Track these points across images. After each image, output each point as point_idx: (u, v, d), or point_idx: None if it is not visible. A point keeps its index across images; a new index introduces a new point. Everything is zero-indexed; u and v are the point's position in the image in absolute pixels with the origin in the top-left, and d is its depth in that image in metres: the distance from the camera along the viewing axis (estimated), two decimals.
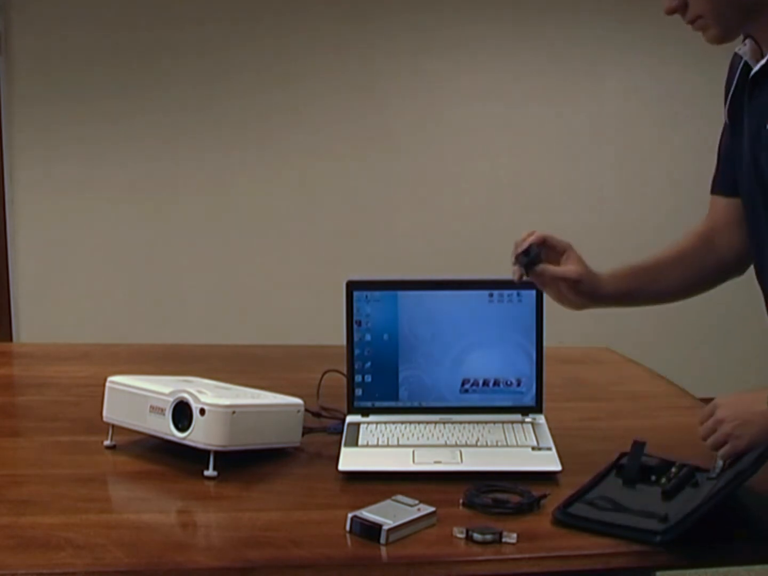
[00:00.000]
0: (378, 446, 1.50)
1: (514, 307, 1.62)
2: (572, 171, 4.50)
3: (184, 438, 1.41)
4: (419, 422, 1.58)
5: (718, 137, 1.49)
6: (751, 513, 1.29)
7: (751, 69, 1.30)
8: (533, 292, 1.62)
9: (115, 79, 4.18)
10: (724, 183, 1.47)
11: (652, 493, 1.29)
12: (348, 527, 1.19)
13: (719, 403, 1.27)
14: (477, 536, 1.17)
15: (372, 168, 4.40)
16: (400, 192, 4.43)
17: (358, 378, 1.63)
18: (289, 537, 1.19)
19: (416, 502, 1.24)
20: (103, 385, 1.54)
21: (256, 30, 4.24)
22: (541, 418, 1.59)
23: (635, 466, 1.35)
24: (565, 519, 1.22)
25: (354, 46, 4.32)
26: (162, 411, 1.44)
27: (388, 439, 1.52)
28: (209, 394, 1.44)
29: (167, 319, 4.32)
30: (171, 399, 1.43)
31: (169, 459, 1.46)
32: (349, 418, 1.61)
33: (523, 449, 1.48)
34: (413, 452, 1.46)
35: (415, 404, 1.63)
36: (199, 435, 1.39)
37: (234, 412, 1.40)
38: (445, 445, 1.49)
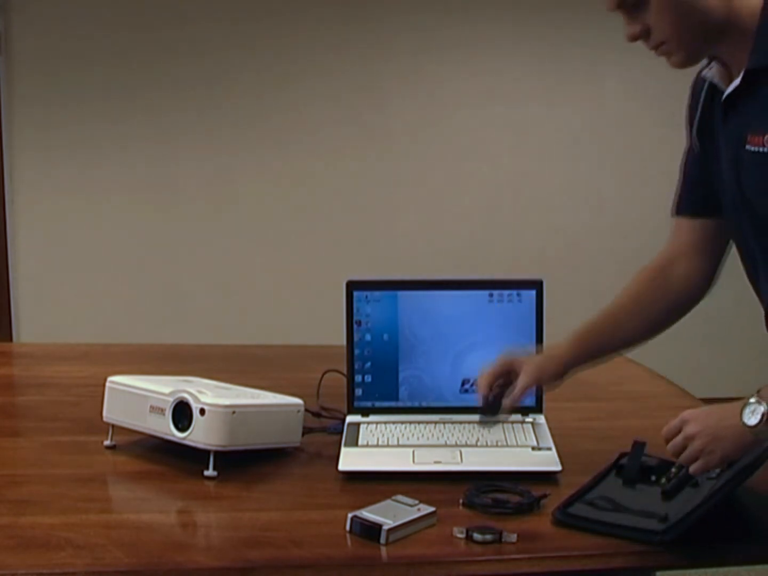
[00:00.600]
0: (378, 446, 1.50)
1: (514, 307, 1.62)
2: (572, 171, 4.50)
3: (184, 438, 1.41)
4: (419, 422, 1.58)
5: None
6: (751, 513, 1.30)
7: (718, 91, 1.29)
8: (533, 292, 1.62)
9: (115, 79, 4.18)
10: (689, 204, 1.45)
11: (652, 493, 1.29)
12: (348, 527, 1.19)
13: (688, 418, 1.23)
14: (477, 536, 1.17)
15: (372, 168, 4.40)
16: (400, 192, 4.43)
17: (358, 378, 1.63)
18: (289, 537, 1.19)
19: (416, 502, 1.24)
20: (103, 385, 1.54)
21: (257, 30, 4.24)
22: (541, 418, 1.59)
23: (635, 466, 1.35)
24: (565, 519, 1.22)
25: (354, 46, 4.32)
26: (162, 411, 1.44)
27: (388, 439, 1.52)
28: (209, 394, 1.44)
29: (167, 319, 4.31)
30: (171, 399, 1.43)
31: (169, 459, 1.46)
32: (349, 418, 1.61)
33: (523, 449, 1.48)
34: (413, 452, 1.46)
35: (415, 404, 1.63)
36: (199, 435, 1.39)
37: (234, 412, 1.40)
38: (445, 445, 1.49)
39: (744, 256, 1.37)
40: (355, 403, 1.64)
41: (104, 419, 1.54)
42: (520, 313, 1.62)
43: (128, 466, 1.47)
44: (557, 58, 4.42)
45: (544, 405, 1.61)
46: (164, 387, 1.46)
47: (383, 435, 1.54)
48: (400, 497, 1.26)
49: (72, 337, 3.73)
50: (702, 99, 1.34)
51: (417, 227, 4.43)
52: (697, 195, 1.43)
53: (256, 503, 1.33)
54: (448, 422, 1.58)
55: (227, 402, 1.41)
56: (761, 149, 1.16)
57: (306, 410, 1.57)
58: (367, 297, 1.62)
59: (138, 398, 1.48)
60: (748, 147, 1.19)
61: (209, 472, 1.39)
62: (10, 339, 4.21)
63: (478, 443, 1.50)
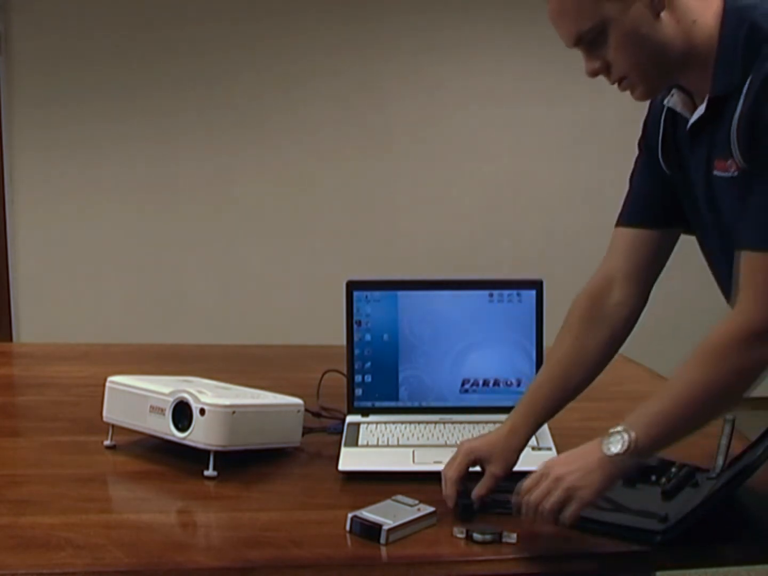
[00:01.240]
0: (378, 446, 1.50)
1: (514, 307, 1.62)
2: (572, 171, 4.50)
3: (184, 438, 1.41)
4: (419, 422, 1.58)
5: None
6: (751, 513, 1.29)
7: (679, 117, 1.29)
8: (533, 292, 1.62)
9: (115, 79, 4.18)
10: (635, 214, 1.43)
11: (652, 493, 1.29)
12: (348, 527, 1.19)
13: (551, 464, 1.19)
14: (477, 536, 1.17)
15: (372, 168, 4.40)
16: (400, 192, 4.43)
17: (358, 378, 1.63)
18: (289, 537, 1.19)
19: (416, 502, 1.24)
20: (103, 385, 1.54)
21: (257, 31, 4.24)
22: None
23: (635, 466, 1.34)
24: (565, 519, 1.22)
25: (354, 47, 4.32)
26: (162, 411, 1.44)
27: (388, 439, 1.52)
28: (209, 394, 1.43)
29: (167, 319, 4.32)
30: (171, 399, 1.43)
31: (169, 459, 1.46)
32: (349, 418, 1.61)
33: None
34: (413, 452, 1.46)
35: (415, 404, 1.63)
36: (199, 435, 1.39)
37: (234, 412, 1.40)
38: (445, 445, 1.49)
39: (718, 278, 1.37)
40: (355, 403, 1.64)
41: (104, 419, 1.54)
42: (520, 313, 1.62)
43: (128, 466, 1.47)
44: (557, 58, 4.40)
45: None
46: (164, 387, 1.46)
47: (383, 435, 1.54)
48: (400, 497, 1.26)
49: (72, 337, 3.73)
50: (662, 124, 1.34)
51: (417, 227, 4.43)
52: (647, 205, 1.43)
53: (256, 503, 1.33)
54: (448, 422, 1.58)
55: (227, 402, 1.41)
56: (726, 174, 1.17)
57: (306, 410, 1.57)
58: (367, 297, 1.62)
59: (138, 398, 1.48)
60: (715, 173, 1.20)
61: (209, 472, 1.39)
62: (10, 339, 4.21)
63: None
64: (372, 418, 1.61)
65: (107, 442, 1.53)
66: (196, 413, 1.39)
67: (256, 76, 4.28)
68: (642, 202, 1.43)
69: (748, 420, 1.47)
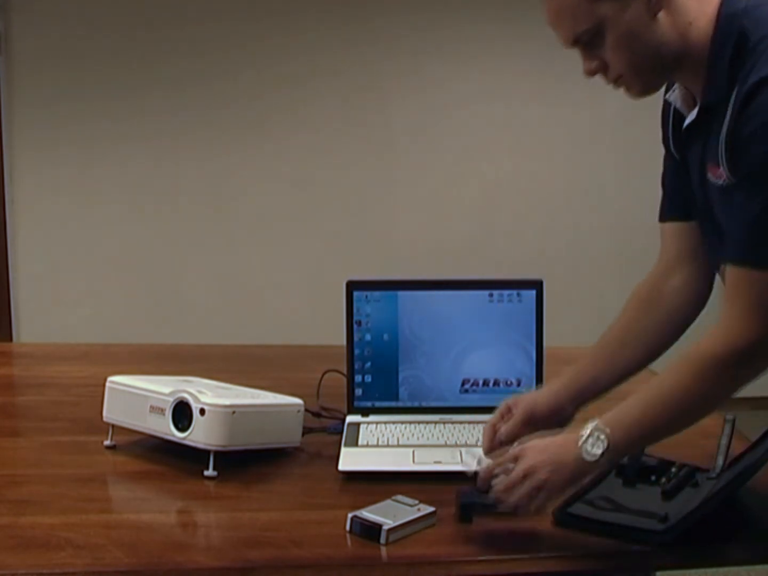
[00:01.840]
0: (378, 446, 1.50)
1: (514, 307, 1.62)
2: (572, 171, 4.50)
3: (184, 438, 1.41)
4: (419, 422, 1.58)
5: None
6: (751, 513, 1.29)
7: (681, 114, 1.30)
8: (533, 292, 1.62)
9: (116, 79, 4.18)
10: (672, 210, 1.44)
11: (652, 493, 1.29)
12: (348, 527, 1.19)
13: (524, 452, 1.20)
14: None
15: (372, 168, 4.40)
16: (400, 192, 4.43)
17: (358, 378, 1.63)
18: (289, 537, 1.19)
19: (416, 502, 1.24)
20: (103, 385, 1.54)
21: (257, 31, 4.24)
22: None
23: (635, 466, 1.34)
24: (565, 519, 1.22)
25: (354, 46, 4.32)
26: (162, 411, 1.44)
27: (388, 439, 1.52)
28: (209, 394, 1.44)
29: (167, 319, 4.31)
30: (171, 399, 1.43)
31: (169, 459, 1.46)
32: (349, 418, 1.61)
33: None
34: (413, 452, 1.46)
35: (415, 404, 1.63)
36: (199, 435, 1.39)
37: (234, 412, 1.40)
38: (445, 445, 1.49)
39: (713, 262, 1.37)
40: (355, 403, 1.64)
41: (104, 419, 1.54)
42: (520, 313, 1.62)
43: (128, 466, 1.47)
44: (557, 58, 4.40)
45: None
46: (164, 387, 1.46)
47: (383, 435, 1.54)
48: (400, 497, 1.26)
49: (72, 337, 3.73)
50: (671, 118, 1.36)
51: (417, 227, 4.43)
52: (679, 200, 1.43)
53: (256, 503, 1.33)
54: (448, 422, 1.58)
55: (227, 402, 1.41)
56: (718, 181, 1.17)
57: (306, 410, 1.57)
58: (367, 297, 1.62)
59: (138, 398, 1.48)
60: (708, 176, 1.20)
61: (209, 472, 1.39)
62: (10, 339, 4.21)
63: (479, 443, 1.49)
64: (372, 418, 1.61)
65: (107, 442, 1.53)
66: (196, 413, 1.39)
67: (256, 76, 4.28)
68: (676, 198, 1.44)
69: (748, 420, 1.47)
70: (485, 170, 4.45)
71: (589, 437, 1.16)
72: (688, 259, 1.42)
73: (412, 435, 1.53)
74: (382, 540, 1.16)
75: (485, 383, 1.63)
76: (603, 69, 1.24)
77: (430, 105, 4.39)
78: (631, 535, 1.17)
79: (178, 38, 4.20)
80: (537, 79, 4.43)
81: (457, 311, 1.62)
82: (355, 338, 1.62)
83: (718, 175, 1.17)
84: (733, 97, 1.12)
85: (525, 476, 1.17)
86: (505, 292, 1.62)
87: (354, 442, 1.51)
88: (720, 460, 1.30)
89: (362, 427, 1.57)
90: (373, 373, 1.63)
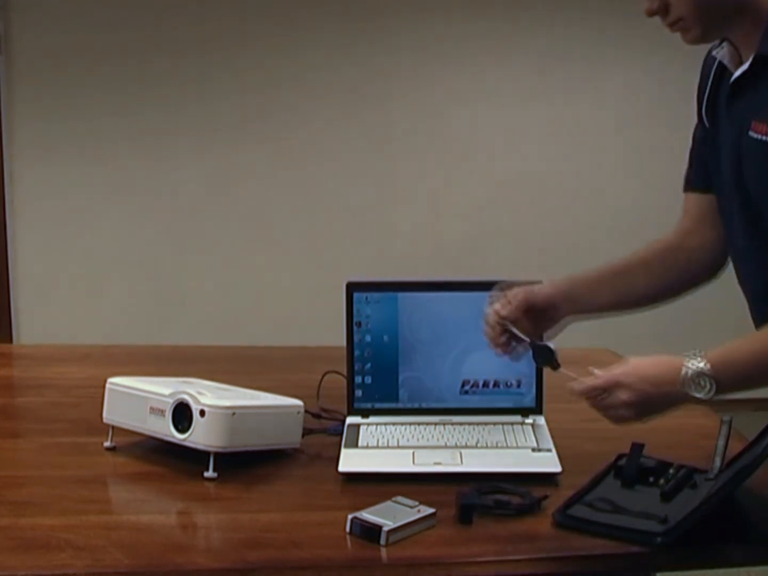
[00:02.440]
0: (378, 447, 1.50)
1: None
2: (572, 171, 4.50)
3: (184, 439, 1.41)
4: (419, 423, 1.58)
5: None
6: (751, 514, 1.29)
7: (726, 72, 1.30)
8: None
9: (115, 79, 4.18)
10: (699, 179, 1.46)
11: (650, 494, 1.29)
12: (348, 528, 1.19)
13: (621, 382, 1.22)
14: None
15: (372, 169, 4.40)
16: (400, 193, 4.43)
17: (358, 379, 1.63)
18: (289, 538, 1.19)
19: (416, 503, 1.24)
20: (103, 387, 1.54)
21: (257, 31, 4.25)
22: (541, 420, 1.59)
23: (634, 468, 1.34)
24: (565, 521, 1.22)
25: (354, 46, 4.32)
26: (162, 412, 1.44)
27: (388, 440, 1.52)
28: (209, 395, 1.44)
29: (167, 321, 4.32)
30: (171, 400, 1.43)
31: (169, 460, 1.46)
32: (349, 420, 1.61)
33: (523, 450, 1.48)
34: (413, 453, 1.46)
35: (415, 405, 1.63)
36: (199, 436, 1.39)
37: (234, 414, 1.40)
38: (446, 447, 1.49)
39: (730, 241, 1.38)
40: (355, 405, 1.64)
41: (104, 420, 1.54)
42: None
43: (128, 468, 1.47)
44: (557, 57, 4.42)
45: (545, 406, 1.61)
46: (164, 388, 1.46)
47: (383, 436, 1.54)
48: (400, 498, 1.26)
49: (72, 338, 3.73)
50: (711, 77, 1.35)
51: (417, 227, 4.43)
52: (701, 172, 1.44)
53: (256, 504, 1.33)
54: (448, 423, 1.58)
55: (227, 403, 1.41)
56: (764, 138, 1.17)
57: (306, 411, 1.57)
58: (367, 298, 1.62)
59: (138, 399, 1.48)
60: (751, 133, 1.20)
61: (209, 473, 1.39)
62: (10, 340, 4.21)
63: (478, 444, 1.50)
64: (372, 419, 1.61)
65: (107, 444, 1.53)
66: (196, 414, 1.39)
67: (256, 77, 4.28)
68: (702, 168, 1.44)
69: (748, 421, 1.47)
70: (485, 170, 4.46)
71: (697, 380, 1.17)
72: (710, 225, 1.43)
73: (412, 436, 1.53)
74: (382, 541, 1.16)
75: (485, 384, 1.63)
76: (663, 11, 1.23)
77: (430, 105, 4.39)
78: (631, 536, 1.17)
79: (178, 38, 4.20)
80: (537, 79, 4.43)
81: (457, 312, 1.62)
82: (355, 339, 1.62)
83: (766, 131, 1.16)
84: None
85: (618, 408, 1.21)
86: None
87: (354, 444, 1.51)
88: (717, 461, 1.30)
89: (362, 429, 1.57)
90: (373, 375, 1.63)
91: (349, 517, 1.20)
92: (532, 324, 1.44)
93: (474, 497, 1.27)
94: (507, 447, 1.49)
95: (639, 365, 1.24)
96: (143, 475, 1.44)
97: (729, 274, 1.43)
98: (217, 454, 1.39)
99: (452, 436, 1.53)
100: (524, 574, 1.16)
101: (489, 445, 1.50)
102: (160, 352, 2.35)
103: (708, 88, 1.36)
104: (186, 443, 1.41)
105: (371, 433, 1.55)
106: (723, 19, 1.22)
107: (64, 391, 1.93)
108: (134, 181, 4.28)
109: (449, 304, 1.62)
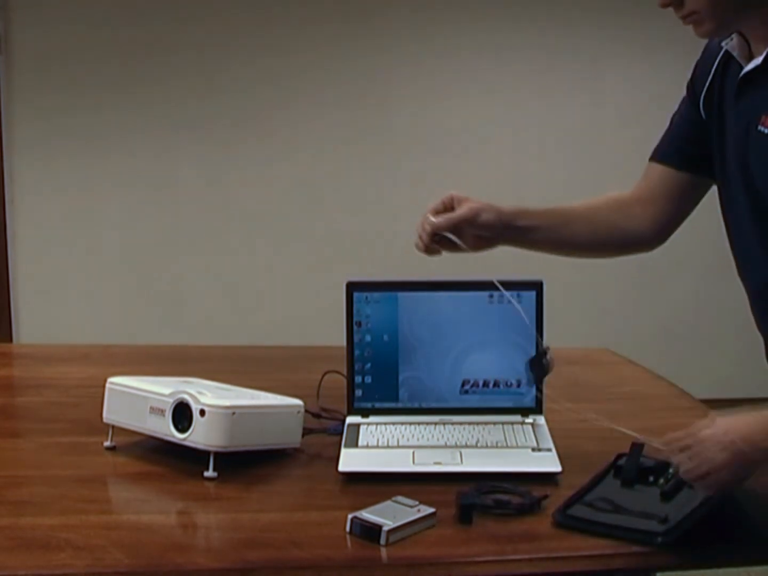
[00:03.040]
0: (378, 447, 1.50)
1: (514, 308, 1.62)
2: (572, 171, 4.50)
3: (184, 439, 1.41)
4: (419, 423, 1.58)
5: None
6: (751, 514, 1.29)
7: (732, 64, 1.29)
8: (533, 293, 1.62)
9: (115, 78, 4.18)
10: (667, 152, 1.46)
11: (650, 494, 1.29)
12: (348, 528, 1.19)
13: (721, 438, 1.13)
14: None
15: (372, 168, 4.40)
16: (400, 192, 4.43)
17: (358, 379, 1.63)
18: (289, 538, 1.19)
19: (416, 503, 1.24)
20: (103, 386, 1.54)
21: (257, 31, 4.25)
22: (541, 419, 1.59)
23: (633, 468, 1.34)
24: (565, 521, 1.22)
25: (354, 46, 4.32)
26: (162, 412, 1.44)
27: (388, 440, 1.52)
28: (209, 395, 1.44)
29: (167, 320, 4.32)
30: (171, 400, 1.43)
31: (169, 460, 1.46)
32: (349, 419, 1.61)
33: (523, 450, 1.48)
34: (413, 453, 1.46)
35: (415, 405, 1.63)
36: (199, 436, 1.39)
37: (234, 413, 1.40)
38: (445, 446, 1.49)
39: (733, 237, 1.37)
40: (355, 404, 1.64)
41: (104, 420, 1.53)
42: (520, 314, 1.62)
43: (128, 467, 1.47)
44: (558, 58, 4.42)
45: (544, 406, 1.61)
46: (164, 388, 1.46)
47: (383, 436, 1.54)
48: (400, 498, 1.26)
49: (72, 337, 3.73)
50: (714, 67, 1.34)
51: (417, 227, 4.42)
52: (680, 147, 1.44)
53: (256, 504, 1.33)
54: (448, 423, 1.58)
55: (227, 403, 1.41)
56: None
57: (306, 411, 1.57)
58: (367, 298, 1.62)
59: (138, 399, 1.48)
60: (760, 128, 1.19)
61: (209, 473, 1.39)
62: (10, 339, 4.21)
63: (478, 444, 1.50)
64: (372, 419, 1.61)
65: (107, 443, 1.53)
66: (196, 414, 1.39)
67: (257, 77, 4.28)
68: (676, 143, 1.45)
69: None
70: (485, 170, 4.45)
71: None
72: (667, 202, 1.45)
73: (412, 436, 1.53)
74: (382, 541, 1.16)
75: (485, 384, 1.63)
76: (678, 3, 1.21)
77: (430, 104, 4.39)
78: (631, 536, 1.17)
79: (178, 38, 4.20)
80: (537, 79, 4.43)
81: (457, 312, 1.62)
82: (355, 339, 1.62)
83: None
84: None
85: (703, 469, 1.14)
86: (506, 293, 1.62)
87: (354, 443, 1.51)
88: None
89: (362, 428, 1.57)
90: (373, 374, 1.63)
91: (349, 516, 1.20)
92: (464, 237, 1.46)
93: (474, 497, 1.27)
94: (507, 447, 1.49)
95: (732, 422, 1.15)
96: (143, 474, 1.44)
97: (731, 270, 1.43)
98: (217, 454, 1.39)
99: (452, 436, 1.53)
100: (524, 574, 1.16)
101: (489, 444, 1.50)
102: (160, 352, 2.35)
103: (710, 78, 1.35)
104: (186, 443, 1.41)
105: (371, 432, 1.55)
106: (737, 12, 1.20)
107: (63, 391, 1.93)
108: (134, 181, 4.28)
109: (449, 304, 1.62)
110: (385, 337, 1.62)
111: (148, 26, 4.18)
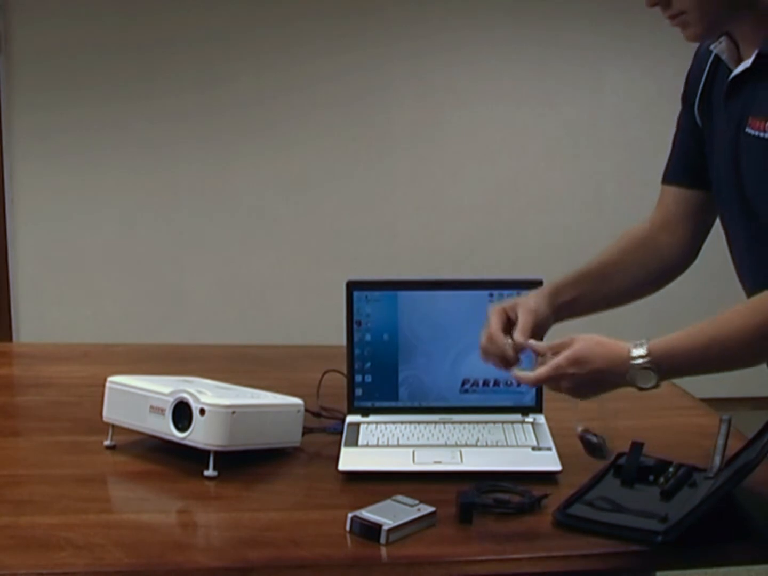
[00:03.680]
0: (378, 446, 1.50)
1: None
2: (572, 171, 4.50)
3: (184, 438, 1.41)
4: (419, 422, 1.58)
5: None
6: (751, 513, 1.29)
7: (722, 67, 1.28)
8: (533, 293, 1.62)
9: (115, 78, 4.18)
10: (679, 173, 1.45)
11: (650, 493, 1.29)
12: (348, 527, 1.19)
13: (577, 359, 1.21)
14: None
15: (372, 168, 4.40)
16: (400, 192, 4.43)
17: (358, 378, 1.63)
18: (289, 537, 1.19)
19: (416, 502, 1.24)
20: (103, 385, 1.54)
21: (258, 31, 4.25)
22: (541, 418, 1.59)
23: (633, 467, 1.34)
24: (565, 520, 1.22)
25: (355, 47, 4.32)
26: (162, 411, 1.44)
27: (388, 439, 1.52)
28: (209, 394, 1.43)
29: (167, 319, 4.32)
30: (171, 399, 1.43)
31: (169, 459, 1.46)
32: (349, 418, 1.61)
33: (523, 449, 1.48)
34: (413, 452, 1.46)
35: (415, 404, 1.63)
36: (199, 435, 1.39)
37: (234, 412, 1.40)
38: (445, 445, 1.49)
39: (730, 239, 1.37)
40: (355, 403, 1.64)
41: (104, 419, 1.53)
42: None
43: (128, 466, 1.47)
44: (557, 58, 4.42)
45: (544, 405, 1.61)
46: (164, 387, 1.46)
47: (383, 435, 1.54)
48: (400, 497, 1.26)
49: (72, 337, 3.73)
50: (706, 71, 1.33)
51: (417, 227, 4.43)
52: (687, 165, 1.43)
53: (256, 503, 1.33)
54: (448, 422, 1.58)
55: (227, 402, 1.41)
56: (762, 134, 1.15)
57: (306, 410, 1.57)
58: (367, 297, 1.62)
59: (138, 398, 1.48)
60: (748, 130, 1.18)
61: (209, 472, 1.39)
62: (10, 339, 4.21)
63: (478, 443, 1.49)
64: (372, 418, 1.61)
65: (107, 442, 1.53)
66: (196, 413, 1.39)
67: (256, 77, 4.28)
68: (683, 161, 1.44)
69: (748, 419, 1.47)
70: (485, 170, 4.46)
71: (641, 372, 1.18)
72: (688, 222, 1.43)
73: (412, 435, 1.53)
74: (382, 540, 1.16)
75: (485, 383, 1.62)
76: (665, 2, 1.19)
77: (430, 105, 4.39)
78: (632, 535, 1.17)
79: (177, 38, 4.20)
80: (537, 79, 4.43)
81: (457, 311, 1.62)
82: (355, 338, 1.62)
83: (765, 127, 1.15)
84: None
85: (567, 380, 1.20)
86: (506, 292, 1.62)
87: (354, 442, 1.51)
88: (717, 460, 1.29)
89: (362, 427, 1.57)
90: (373, 373, 1.63)
91: (349, 515, 1.20)
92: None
93: (474, 496, 1.27)
94: (507, 446, 1.49)
95: (588, 356, 1.22)
96: (143, 473, 1.44)
97: (729, 270, 1.43)
98: (217, 453, 1.39)
99: (452, 435, 1.53)
100: (524, 573, 1.16)
101: (489, 443, 1.50)
102: (160, 351, 2.35)
103: (702, 84, 1.34)
104: (186, 442, 1.41)
105: (371, 431, 1.55)
106: (726, 14, 1.19)
107: (63, 390, 1.93)
108: (134, 181, 4.28)
109: (449, 303, 1.62)
110: (385, 336, 1.62)
111: (147, 25, 4.18)
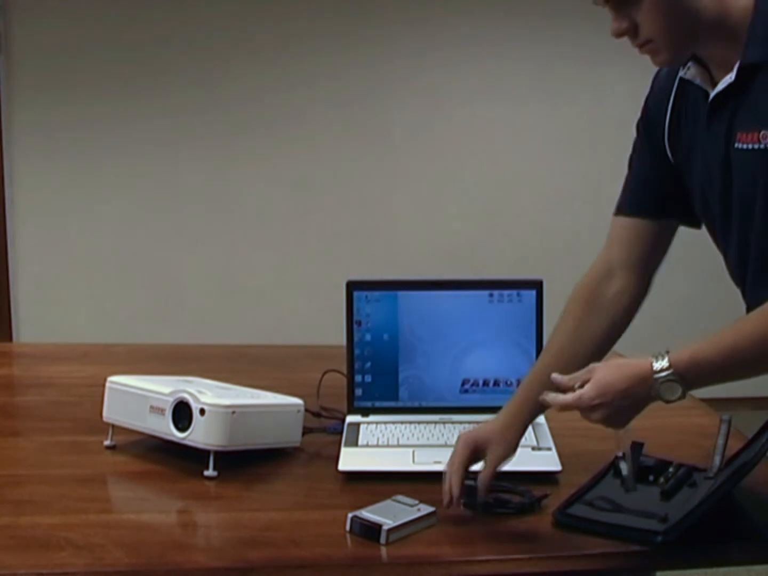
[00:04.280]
0: (378, 446, 1.50)
1: (514, 307, 1.62)
2: (572, 171, 4.50)
3: (184, 438, 1.41)
4: (419, 422, 1.58)
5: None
6: (751, 513, 1.29)
7: (693, 92, 1.26)
8: (533, 292, 1.62)
9: (115, 79, 4.18)
10: (636, 203, 1.41)
11: (650, 493, 1.29)
12: (348, 527, 1.19)
13: (600, 385, 1.15)
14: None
15: (372, 168, 4.40)
16: (400, 192, 4.43)
17: (358, 378, 1.63)
18: (289, 537, 1.19)
19: (416, 502, 1.24)
20: (103, 385, 1.54)
21: (258, 31, 4.25)
22: (541, 418, 1.59)
23: (633, 471, 1.34)
24: (565, 520, 1.22)
25: (355, 47, 4.32)
26: (162, 411, 1.44)
27: (388, 439, 1.52)
28: (209, 394, 1.44)
29: (167, 319, 4.32)
30: (171, 399, 1.43)
31: (169, 459, 1.46)
32: (349, 418, 1.61)
33: (523, 449, 1.47)
34: (413, 452, 1.46)
35: (415, 404, 1.63)
36: (199, 435, 1.39)
37: (234, 413, 1.40)
38: (445, 445, 1.49)
39: (729, 259, 1.35)
40: (355, 403, 1.64)
41: (104, 419, 1.54)
42: (520, 313, 1.62)
43: (128, 466, 1.47)
44: (558, 58, 4.42)
45: None
46: (164, 387, 1.46)
47: (383, 435, 1.54)
48: (400, 497, 1.26)
49: (72, 337, 3.73)
50: (672, 99, 1.31)
51: (417, 227, 4.43)
52: (638, 195, 1.40)
53: (256, 503, 1.33)
54: (448, 422, 1.58)
55: (227, 402, 1.41)
56: (754, 146, 1.15)
57: (306, 410, 1.57)
58: (367, 297, 1.62)
59: (138, 398, 1.48)
60: (737, 145, 1.17)
61: (209, 472, 1.39)
62: (10, 339, 4.21)
63: None
64: (372, 418, 1.61)
65: (107, 442, 1.53)
66: (196, 413, 1.39)
67: (256, 77, 4.28)
68: (640, 190, 1.41)
69: (748, 419, 1.47)
70: (485, 170, 4.46)
71: (666, 385, 1.13)
72: (634, 264, 1.39)
73: (412, 435, 1.54)
74: (382, 540, 1.16)
75: (485, 383, 1.63)
76: (632, 31, 1.18)
77: (430, 105, 4.39)
78: (632, 535, 1.17)
79: (178, 37, 4.20)
80: (537, 79, 4.43)
81: (457, 311, 1.62)
82: (355, 338, 1.62)
83: (760, 138, 1.13)
84: None
85: (590, 411, 1.16)
86: (505, 292, 1.62)
87: (354, 442, 1.51)
88: (717, 460, 1.29)
89: (362, 427, 1.57)
90: (373, 373, 1.63)
91: (349, 515, 1.20)
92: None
93: (473, 496, 1.27)
94: None
95: (610, 381, 1.17)
96: (143, 473, 1.44)
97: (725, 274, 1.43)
98: (217, 453, 1.39)
99: (452, 435, 1.53)
100: (524, 573, 1.16)
101: None
102: (160, 351, 2.35)
103: (668, 113, 1.31)
104: (186, 442, 1.41)
105: (371, 431, 1.55)
106: (694, 40, 1.18)
107: (64, 390, 1.93)
108: (134, 181, 4.28)
109: (449, 303, 1.62)
110: (385, 336, 1.62)
111: (147, 25, 4.18)
